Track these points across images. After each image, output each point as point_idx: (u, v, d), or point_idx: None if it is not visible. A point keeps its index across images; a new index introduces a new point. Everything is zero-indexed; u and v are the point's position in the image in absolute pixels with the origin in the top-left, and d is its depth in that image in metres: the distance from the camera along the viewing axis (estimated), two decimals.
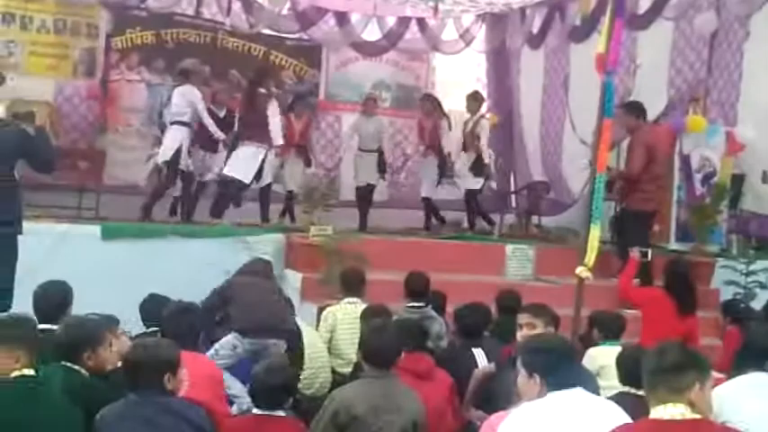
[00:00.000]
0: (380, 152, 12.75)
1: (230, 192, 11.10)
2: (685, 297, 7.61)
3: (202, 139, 11.34)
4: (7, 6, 12.86)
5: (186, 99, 10.90)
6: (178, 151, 10.85)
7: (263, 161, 11.08)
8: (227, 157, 11.18)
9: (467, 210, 12.69)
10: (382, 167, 12.75)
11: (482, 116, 12.45)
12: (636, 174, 9.88)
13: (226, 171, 11.04)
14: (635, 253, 8.35)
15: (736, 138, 10.89)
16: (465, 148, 12.37)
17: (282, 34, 14.59)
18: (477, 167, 12.29)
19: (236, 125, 11.38)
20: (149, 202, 10.99)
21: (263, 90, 11.27)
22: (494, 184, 13.46)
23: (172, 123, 11.00)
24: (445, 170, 12.44)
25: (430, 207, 12.74)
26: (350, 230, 11.07)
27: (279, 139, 11.13)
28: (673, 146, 10.71)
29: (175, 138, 10.89)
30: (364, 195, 12.57)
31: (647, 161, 9.80)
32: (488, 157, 12.40)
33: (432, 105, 12.61)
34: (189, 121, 10.96)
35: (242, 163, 11.00)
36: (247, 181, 11.04)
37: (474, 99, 12.50)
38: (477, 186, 12.41)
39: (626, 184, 10.13)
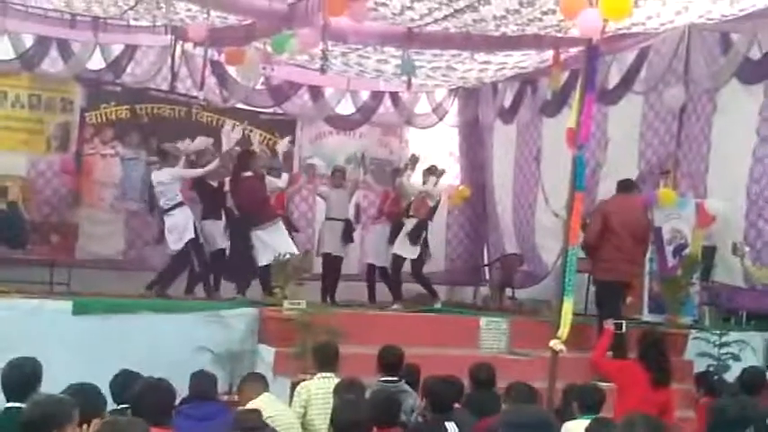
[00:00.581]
0: (347, 221, 12.91)
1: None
2: (659, 369, 7.58)
3: (205, 210, 11.65)
4: None
5: (170, 181, 11.29)
6: (195, 229, 11.23)
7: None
8: (233, 235, 11.63)
9: (392, 275, 12.50)
10: (348, 237, 12.85)
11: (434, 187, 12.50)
12: (590, 241, 9.95)
13: (267, 261, 11.19)
14: (609, 325, 8.34)
15: (707, 210, 10.99)
16: (408, 213, 12.38)
17: (257, 108, 14.68)
18: (414, 234, 12.17)
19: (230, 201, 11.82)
20: (165, 279, 11.22)
21: (248, 173, 11.42)
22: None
23: (172, 208, 11.23)
24: (394, 238, 12.45)
25: (373, 274, 12.78)
26: (323, 304, 11.05)
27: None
28: (644, 218, 10.72)
29: (187, 217, 11.26)
30: (330, 266, 12.64)
31: (602, 229, 9.87)
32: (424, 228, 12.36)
33: (398, 180, 12.74)
34: (183, 200, 11.31)
35: (276, 243, 11.18)
36: (296, 251, 11.26)
37: (429, 173, 12.54)
38: (411, 256, 12.28)
39: (589, 254, 10.20)
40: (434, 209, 12.54)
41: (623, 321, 8.62)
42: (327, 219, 12.98)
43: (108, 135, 13.62)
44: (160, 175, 11.37)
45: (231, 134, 12.39)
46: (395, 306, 12.06)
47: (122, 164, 13.36)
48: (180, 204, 11.31)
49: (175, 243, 11.27)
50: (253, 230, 11.40)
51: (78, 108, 13.49)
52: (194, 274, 11.66)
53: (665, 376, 7.62)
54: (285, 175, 12.09)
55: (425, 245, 12.35)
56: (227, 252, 11.79)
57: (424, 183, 12.44)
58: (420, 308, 11.98)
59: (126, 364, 6.72)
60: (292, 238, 12.32)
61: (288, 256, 10.77)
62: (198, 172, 11.67)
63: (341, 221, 12.85)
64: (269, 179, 11.73)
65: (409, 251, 12.21)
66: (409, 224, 12.22)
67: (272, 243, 11.22)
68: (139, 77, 13.60)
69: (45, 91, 13.29)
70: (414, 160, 12.62)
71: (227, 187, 11.83)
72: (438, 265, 12.91)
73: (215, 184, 11.88)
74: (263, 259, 11.28)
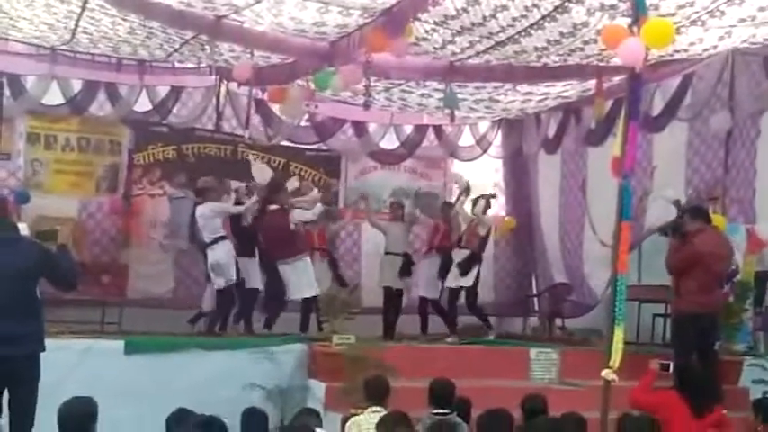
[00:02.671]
0: (406, 255, 12.98)
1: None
2: (698, 398, 7.45)
3: (240, 248, 11.60)
4: (32, 127, 13.12)
5: (211, 215, 11.29)
6: (237, 266, 11.27)
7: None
8: (265, 271, 11.66)
9: (448, 308, 12.56)
10: (405, 271, 12.90)
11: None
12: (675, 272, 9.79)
13: (296, 296, 11.53)
14: (654, 365, 8.14)
15: (758, 235, 10.86)
16: (460, 244, 12.44)
17: (301, 145, 14.80)
18: (465, 265, 12.21)
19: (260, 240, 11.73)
20: (215, 319, 11.31)
21: (274, 206, 11.48)
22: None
23: (214, 242, 11.28)
24: (444, 270, 12.51)
25: (426, 307, 12.78)
26: (373, 338, 11.06)
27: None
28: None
29: (228, 252, 11.27)
30: (391, 300, 12.68)
31: (691, 265, 9.58)
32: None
33: (453, 211, 12.78)
34: (225, 234, 11.32)
35: (301, 280, 11.39)
36: (318, 293, 11.41)
37: (477, 202, 12.59)
38: (464, 285, 12.28)
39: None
40: (485, 239, 12.53)
41: (670, 362, 8.36)
42: (387, 253, 13.08)
43: (156, 175, 13.78)
44: (203, 209, 11.43)
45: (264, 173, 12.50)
46: (449, 339, 12.04)
47: (170, 203, 13.47)
48: (222, 238, 11.30)
49: (219, 282, 11.28)
50: (279, 264, 11.49)
51: (126, 150, 13.69)
52: (235, 312, 11.72)
53: (704, 405, 7.48)
54: (319, 206, 12.10)
55: (477, 277, 12.38)
56: (261, 290, 11.83)
57: (474, 212, 12.49)
58: (470, 340, 11.95)
59: (177, 402, 6.77)
60: (338, 274, 12.41)
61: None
62: (239, 209, 11.69)
63: (399, 255, 12.95)
64: (298, 212, 11.67)
65: (462, 281, 12.26)
66: (460, 255, 12.28)
67: (295, 280, 11.35)
68: (185, 118, 13.80)
69: (94, 134, 13.49)
70: (467, 188, 12.62)
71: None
72: (486, 297, 12.88)
73: (246, 223, 11.86)
74: (291, 294, 11.43)
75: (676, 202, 11.06)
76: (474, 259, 12.28)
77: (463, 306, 12.56)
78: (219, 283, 11.22)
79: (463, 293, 12.33)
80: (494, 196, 13.02)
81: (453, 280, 12.31)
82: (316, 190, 12.50)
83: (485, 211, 12.45)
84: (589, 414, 6.63)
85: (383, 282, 12.99)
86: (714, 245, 9.64)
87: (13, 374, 6.66)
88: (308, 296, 11.50)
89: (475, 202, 12.53)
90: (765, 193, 11.01)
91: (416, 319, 13.07)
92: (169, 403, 6.77)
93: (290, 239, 11.52)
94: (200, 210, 11.45)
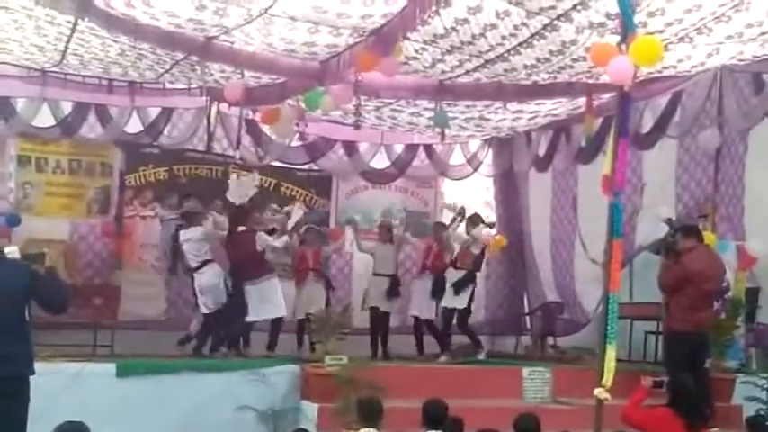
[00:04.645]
0: (394, 276, 12.89)
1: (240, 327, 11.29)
2: (693, 414, 7.44)
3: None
4: (23, 149, 13.10)
5: (198, 239, 11.36)
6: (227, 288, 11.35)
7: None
8: (231, 294, 11.46)
9: (442, 328, 12.59)
10: (394, 292, 12.81)
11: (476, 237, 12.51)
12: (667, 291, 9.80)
13: (253, 318, 11.42)
14: (646, 381, 8.11)
15: (748, 251, 10.88)
16: (455, 264, 12.46)
17: (292, 165, 14.80)
18: (459, 286, 12.28)
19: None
20: (202, 342, 11.34)
21: (243, 228, 11.44)
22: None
23: (201, 266, 11.34)
24: (438, 290, 12.50)
25: (420, 327, 12.75)
26: (365, 359, 11.04)
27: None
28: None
29: (217, 275, 11.40)
30: (378, 321, 12.62)
31: (683, 285, 9.61)
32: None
33: (446, 233, 12.76)
34: (212, 257, 11.28)
35: (265, 301, 11.31)
36: (285, 313, 11.51)
37: (472, 222, 12.60)
38: (459, 306, 12.33)
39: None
40: (480, 258, 12.53)
41: (663, 379, 8.33)
42: (374, 274, 12.99)
43: (147, 197, 13.75)
44: (193, 234, 11.46)
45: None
46: (443, 358, 12.03)
47: (162, 225, 13.45)
48: (209, 261, 11.38)
49: (206, 307, 11.34)
50: (245, 284, 11.39)
51: (117, 171, 13.67)
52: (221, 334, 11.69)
53: (699, 420, 7.46)
54: (284, 238, 12.02)
55: (471, 297, 12.39)
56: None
57: (468, 233, 12.50)
58: (463, 359, 11.93)
59: (170, 425, 6.76)
60: (329, 296, 12.36)
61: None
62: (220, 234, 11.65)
63: (387, 277, 12.84)
64: (262, 237, 11.51)
65: (456, 302, 12.29)
66: (455, 276, 12.30)
67: (257, 301, 11.30)
68: (176, 139, 13.81)
69: (85, 156, 13.48)
70: (462, 212, 12.61)
71: None
72: (478, 316, 12.85)
73: None
74: (251, 315, 11.36)
75: (668, 221, 11.08)
76: (468, 280, 12.32)
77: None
78: (208, 305, 11.22)
79: (455, 313, 12.30)
80: (493, 225, 13.09)
81: (448, 300, 12.31)
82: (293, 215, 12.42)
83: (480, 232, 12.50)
84: None
85: (370, 303, 12.88)
86: (705, 264, 9.65)
87: (2, 396, 6.61)
88: (274, 317, 11.48)
89: (468, 224, 12.55)
90: (754, 210, 11.04)
91: (409, 340, 13.02)
92: (161, 426, 6.76)
93: (257, 260, 11.44)
94: (191, 233, 11.43)
